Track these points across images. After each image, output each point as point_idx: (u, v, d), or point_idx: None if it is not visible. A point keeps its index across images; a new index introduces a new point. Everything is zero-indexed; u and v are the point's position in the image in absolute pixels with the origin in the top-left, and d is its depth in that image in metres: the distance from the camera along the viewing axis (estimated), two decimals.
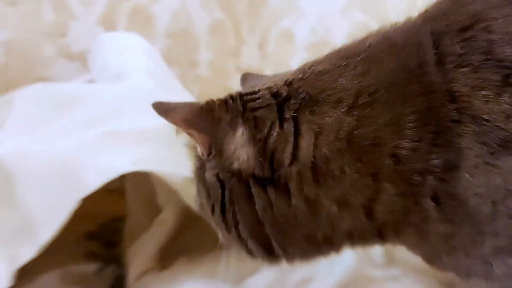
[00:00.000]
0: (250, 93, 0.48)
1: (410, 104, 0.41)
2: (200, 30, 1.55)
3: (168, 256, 0.74)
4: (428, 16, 0.45)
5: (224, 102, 0.47)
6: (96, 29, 1.44)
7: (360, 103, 0.43)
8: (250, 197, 0.46)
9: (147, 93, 0.79)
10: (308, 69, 0.47)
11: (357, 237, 0.47)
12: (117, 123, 0.71)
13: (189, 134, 0.48)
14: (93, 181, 0.64)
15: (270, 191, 0.45)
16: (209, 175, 0.48)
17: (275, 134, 0.45)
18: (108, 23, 1.42)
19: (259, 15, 1.58)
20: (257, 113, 0.46)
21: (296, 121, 0.45)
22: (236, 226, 0.47)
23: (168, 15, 1.46)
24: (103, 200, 0.75)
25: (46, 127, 0.75)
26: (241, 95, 0.48)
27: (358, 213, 0.44)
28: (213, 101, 0.47)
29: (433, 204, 0.42)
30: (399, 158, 0.42)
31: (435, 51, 0.41)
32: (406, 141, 0.41)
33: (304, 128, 0.44)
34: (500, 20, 0.40)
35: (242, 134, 0.45)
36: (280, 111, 0.45)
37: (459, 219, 0.41)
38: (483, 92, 0.39)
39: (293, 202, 0.45)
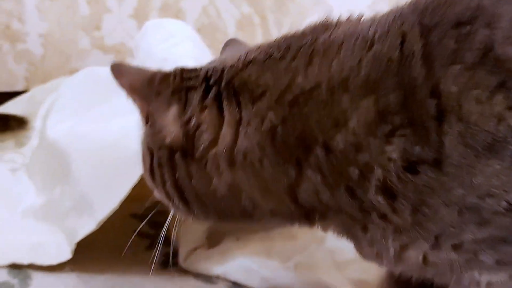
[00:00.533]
0: (192, 71, 0.48)
1: (372, 99, 0.39)
2: (228, 25, 1.58)
3: (216, 236, 0.76)
4: (418, 6, 0.41)
5: (167, 77, 0.48)
6: (128, 22, 1.48)
7: (287, 100, 0.42)
8: (174, 166, 0.47)
9: None
10: (244, 55, 0.46)
11: (282, 217, 0.47)
12: None
13: (133, 100, 0.50)
14: None
15: (192, 167, 0.46)
16: (143, 141, 0.50)
17: (195, 119, 0.45)
18: (140, 17, 1.46)
19: (286, 10, 1.61)
20: (189, 94, 0.46)
21: (217, 108, 0.45)
22: (164, 186, 0.49)
23: (197, 10, 1.49)
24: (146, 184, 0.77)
25: (97, 109, 0.78)
26: (182, 72, 0.48)
27: (282, 198, 0.44)
28: (157, 73, 0.48)
29: (382, 198, 0.40)
30: (331, 150, 0.40)
31: (422, 44, 0.38)
32: (344, 135, 0.40)
33: (225, 116, 0.45)
34: (507, 17, 0.37)
35: (174, 111, 0.47)
36: (204, 97, 0.46)
37: (429, 210, 0.39)
38: (475, 93, 0.36)
39: (214, 182, 0.46)
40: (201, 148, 0.45)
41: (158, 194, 0.51)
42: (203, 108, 0.46)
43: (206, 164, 0.46)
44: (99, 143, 0.70)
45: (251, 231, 0.78)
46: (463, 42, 0.37)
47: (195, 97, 0.46)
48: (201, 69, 0.48)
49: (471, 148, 0.36)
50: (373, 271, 0.67)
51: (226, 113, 0.45)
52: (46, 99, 1.10)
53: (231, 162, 0.44)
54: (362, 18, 0.45)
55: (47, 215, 0.75)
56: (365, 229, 0.43)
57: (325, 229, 0.49)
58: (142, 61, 0.93)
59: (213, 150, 0.45)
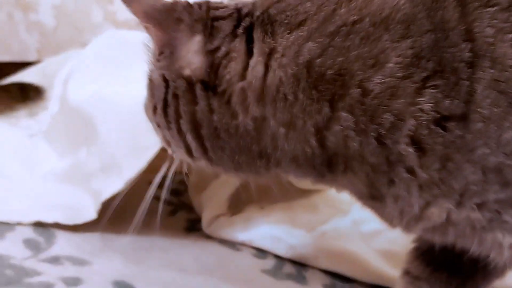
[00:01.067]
0: (217, 3, 0.45)
1: (410, 41, 0.38)
2: None
3: (238, 203, 0.76)
4: None
5: (190, 5, 0.44)
6: None
7: (328, 30, 0.40)
8: (194, 98, 0.44)
9: None
10: None
11: (301, 163, 0.44)
12: None
13: (146, 28, 0.46)
14: None
15: (214, 100, 0.43)
16: (156, 74, 0.47)
17: (224, 49, 0.43)
18: None
19: None
20: (216, 23, 0.44)
21: (248, 39, 0.43)
22: (177, 121, 0.45)
23: None
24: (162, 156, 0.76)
25: (122, 72, 0.77)
26: (208, 2, 0.45)
27: (308, 139, 0.42)
28: (178, 1, 0.45)
29: (412, 150, 0.38)
30: (367, 91, 0.39)
31: None
32: (382, 76, 0.38)
33: (256, 47, 0.42)
34: None
35: (199, 41, 0.44)
36: (236, 27, 0.43)
37: (455, 167, 0.38)
38: (511, 36, 0.35)
39: (240, 118, 0.43)
40: (227, 80, 0.43)
41: (166, 134, 0.48)
42: (233, 38, 0.43)
43: (230, 97, 0.43)
44: (126, 105, 0.69)
45: (273, 200, 0.77)
46: None
47: (225, 26, 0.43)
48: (228, 3, 0.46)
49: (506, 95, 0.35)
50: (400, 242, 0.66)
51: (258, 43, 0.42)
52: (58, 70, 1.09)
53: (260, 95, 0.42)
54: None
55: (70, 177, 0.74)
56: (390, 183, 0.41)
57: (343, 186, 0.46)
58: None
59: (241, 83, 0.42)
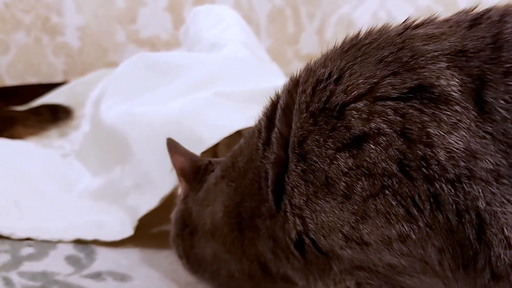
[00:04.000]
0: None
1: None
2: (260, 17, 1.59)
3: None
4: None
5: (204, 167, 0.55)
6: (163, 15, 1.50)
7: None
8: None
9: (244, 61, 0.83)
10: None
11: None
12: (224, 86, 0.74)
13: (179, 179, 0.57)
14: (208, 137, 0.68)
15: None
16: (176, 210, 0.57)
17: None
18: (175, 10, 1.48)
19: (318, 2, 1.61)
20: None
21: None
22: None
23: (230, 2, 1.50)
24: None
25: (152, 92, 0.80)
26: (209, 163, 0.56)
27: None
28: (202, 164, 0.55)
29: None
30: None
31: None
32: None
33: None
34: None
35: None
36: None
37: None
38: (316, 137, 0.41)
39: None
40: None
41: None
42: None
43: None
44: (159, 123, 0.71)
45: None
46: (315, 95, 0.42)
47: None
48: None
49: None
50: None
51: None
52: (85, 90, 1.13)
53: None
54: None
55: (105, 195, 0.76)
56: None
57: None
58: (191, 47, 0.95)
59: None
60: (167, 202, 0.71)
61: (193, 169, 0.56)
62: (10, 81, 1.35)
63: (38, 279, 0.60)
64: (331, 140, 0.39)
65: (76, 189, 0.82)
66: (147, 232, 0.72)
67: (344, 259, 0.41)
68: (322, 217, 0.40)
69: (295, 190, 0.41)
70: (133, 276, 0.62)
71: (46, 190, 0.81)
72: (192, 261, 0.54)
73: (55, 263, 0.64)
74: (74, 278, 0.61)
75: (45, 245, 0.68)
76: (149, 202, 0.68)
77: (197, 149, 0.65)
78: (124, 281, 0.61)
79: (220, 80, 0.76)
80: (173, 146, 0.58)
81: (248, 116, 0.69)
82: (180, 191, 0.58)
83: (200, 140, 0.67)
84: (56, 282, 0.60)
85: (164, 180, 0.68)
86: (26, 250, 0.67)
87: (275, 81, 0.67)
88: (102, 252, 0.67)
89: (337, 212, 0.39)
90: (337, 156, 0.39)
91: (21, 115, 1.20)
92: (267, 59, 0.93)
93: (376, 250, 0.38)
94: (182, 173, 0.56)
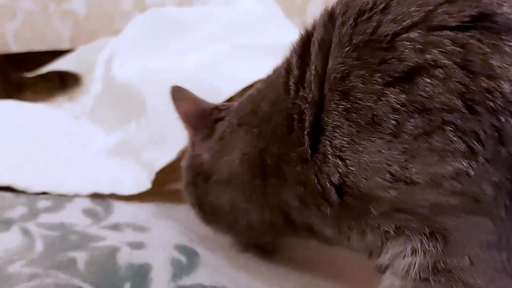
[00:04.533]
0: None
1: None
2: None
3: None
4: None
5: (207, 113, 0.54)
6: None
7: None
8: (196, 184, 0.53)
9: (259, 16, 0.81)
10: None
11: None
12: (241, 39, 0.73)
13: (184, 126, 0.56)
14: (226, 89, 0.67)
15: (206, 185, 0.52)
16: (186, 157, 0.56)
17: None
18: None
19: None
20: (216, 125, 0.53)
21: None
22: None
23: None
24: None
25: (165, 48, 0.78)
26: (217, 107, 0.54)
27: None
28: (207, 108, 0.54)
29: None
30: None
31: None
32: None
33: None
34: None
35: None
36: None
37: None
38: (361, 72, 0.38)
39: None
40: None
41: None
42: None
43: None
44: (173, 77, 0.70)
45: None
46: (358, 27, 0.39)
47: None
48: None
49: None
50: None
51: None
52: (93, 56, 1.11)
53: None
54: None
55: (121, 151, 0.76)
56: None
57: None
58: (206, 1, 0.93)
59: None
60: (183, 156, 0.70)
61: (198, 113, 0.53)
62: (16, 48, 1.33)
63: (56, 230, 0.60)
64: (378, 74, 0.37)
65: (91, 147, 0.81)
66: (163, 189, 0.71)
67: (385, 202, 0.38)
68: (365, 158, 0.38)
69: (336, 130, 0.39)
70: (152, 228, 0.62)
71: (60, 148, 0.80)
72: (207, 210, 0.53)
73: (72, 215, 0.64)
74: (93, 229, 0.60)
75: (62, 199, 0.67)
76: (165, 155, 0.67)
77: (215, 101, 0.64)
78: (143, 232, 0.61)
79: (237, 34, 0.75)
80: (177, 93, 0.56)
81: (268, 67, 0.69)
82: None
83: (217, 92, 0.66)
84: (75, 232, 0.59)
85: (180, 134, 0.68)
86: (43, 203, 0.66)
87: (294, 36, 0.66)
88: (119, 206, 0.67)
89: (383, 152, 0.37)
90: (386, 91, 0.36)
91: (30, 81, 1.19)
92: (281, 16, 0.91)
93: (423, 189, 0.37)
94: (186, 118, 0.54)
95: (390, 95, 0.36)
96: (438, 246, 0.38)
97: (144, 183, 0.68)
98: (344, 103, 0.38)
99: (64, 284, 0.49)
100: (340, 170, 0.39)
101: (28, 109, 0.94)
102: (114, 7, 1.40)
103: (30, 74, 1.22)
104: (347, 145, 0.38)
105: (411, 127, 0.36)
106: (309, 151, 0.41)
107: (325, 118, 0.40)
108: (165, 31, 0.79)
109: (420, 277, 0.38)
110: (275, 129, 0.45)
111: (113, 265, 0.52)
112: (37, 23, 1.34)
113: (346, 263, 0.61)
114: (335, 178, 0.40)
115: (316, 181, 0.42)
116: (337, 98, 0.39)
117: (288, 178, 0.44)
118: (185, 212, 0.68)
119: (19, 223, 0.61)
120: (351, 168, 0.39)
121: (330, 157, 0.39)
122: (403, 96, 0.36)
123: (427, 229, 0.38)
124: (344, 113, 0.38)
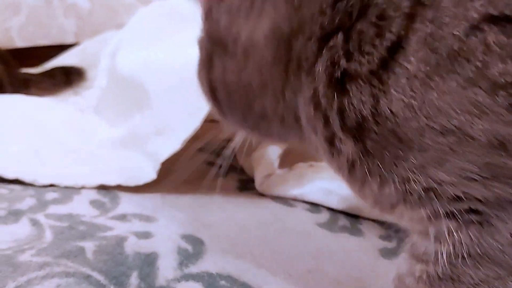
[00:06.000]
0: None
1: None
2: None
3: (287, 162, 0.77)
4: None
5: None
6: None
7: None
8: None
9: None
10: None
11: None
12: None
13: None
14: None
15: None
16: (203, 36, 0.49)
17: None
18: None
19: None
20: None
21: None
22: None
23: None
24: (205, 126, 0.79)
25: (169, 39, 0.79)
26: None
27: None
28: None
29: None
30: None
31: None
32: None
33: None
34: None
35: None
36: None
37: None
38: None
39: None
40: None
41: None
42: None
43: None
44: (176, 68, 0.71)
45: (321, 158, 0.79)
46: None
47: None
48: None
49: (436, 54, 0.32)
50: None
51: None
52: (97, 50, 1.12)
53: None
54: None
55: (126, 143, 0.77)
56: None
57: None
58: None
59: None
60: (186, 148, 0.71)
61: None
62: (21, 43, 1.34)
63: (65, 220, 0.61)
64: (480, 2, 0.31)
65: (96, 139, 0.83)
66: (168, 180, 0.72)
67: (430, 151, 0.33)
68: (433, 96, 0.32)
69: (414, 55, 0.33)
70: (158, 218, 0.63)
71: (66, 140, 0.81)
72: (222, 95, 0.45)
73: (80, 206, 0.65)
74: (100, 219, 0.62)
75: (69, 191, 0.69)
76: (170, 146, 0.68)
77: None
78: (150, 222, 0.62)
79: None
80: None
81: None
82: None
83: None
84: (83, 223, 0.60)
85: (184, 124, 0.69)
86: (51, 195, 0.67)
87: None
88: (125, 197, 0.68)
89: (455, 94, 0.32)
90: (483, 27, 0.31)
91: (36, 78, 1.20)
92: None
93: (482, 147, 0.32)
94: None
95: (490, 32, 0.31)
96: (474, 228, 0.34)
97: (149, 174, 0.69)
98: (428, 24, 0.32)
99: (73, 272, 0.50)
100: (405, 100, 0.33)
101: (34, 103, 0.95)
102: (118, 1, 1.41)
103: (35, 69, 1.23)
104: (421, 73, 0.32)
105: (495, 72, 0.30)
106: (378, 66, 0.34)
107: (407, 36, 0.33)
108: (169, 23, 0.80)
109: (449, 262, 0.35)
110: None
111: (121, 254, 0.54)
112: (41, 18, 1.35)
113: (352, 249, 0.62)
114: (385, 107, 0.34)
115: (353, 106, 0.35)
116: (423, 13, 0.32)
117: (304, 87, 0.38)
118: (191, 202, 0.70)
119: (28, 214, 0.62)
120: (413, 101, 0.33)
121: (399, 80, 0.33)
122: (503, 38, 0.30)
123: (465, 201, 0.34)
124: (427, 37, 0.32)
